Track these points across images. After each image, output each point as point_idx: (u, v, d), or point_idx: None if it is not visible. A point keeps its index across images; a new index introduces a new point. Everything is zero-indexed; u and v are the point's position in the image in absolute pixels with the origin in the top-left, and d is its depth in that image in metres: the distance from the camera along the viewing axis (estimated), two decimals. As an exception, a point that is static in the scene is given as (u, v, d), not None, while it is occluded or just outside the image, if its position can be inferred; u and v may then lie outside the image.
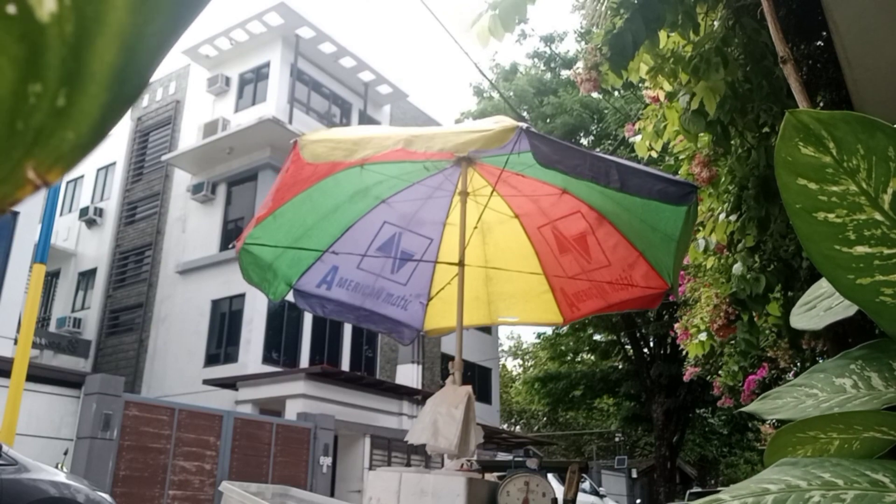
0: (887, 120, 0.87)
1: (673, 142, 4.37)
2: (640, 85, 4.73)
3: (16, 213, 12.49)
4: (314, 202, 3.96)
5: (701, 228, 4.52)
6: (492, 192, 4.09)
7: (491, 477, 3.33)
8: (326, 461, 13.52)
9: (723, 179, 4.11)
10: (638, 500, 27.47)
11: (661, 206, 3.32)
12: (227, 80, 18.85)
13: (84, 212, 21.08)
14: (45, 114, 0.24)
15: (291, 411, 14.05)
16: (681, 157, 4.63)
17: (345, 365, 17.94)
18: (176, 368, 17.03)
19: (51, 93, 0.24)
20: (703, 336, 5.47)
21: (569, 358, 28.22)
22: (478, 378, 22.11)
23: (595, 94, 18.46)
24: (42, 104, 0.24)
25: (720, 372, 7.22)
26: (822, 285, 1.33)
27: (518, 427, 39.34)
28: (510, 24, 3.16)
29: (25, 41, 0.23)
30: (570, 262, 4.28)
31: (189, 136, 19.16)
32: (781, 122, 0.90)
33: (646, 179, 3.08)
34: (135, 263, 19.69)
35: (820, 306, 1.29)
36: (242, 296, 16.15)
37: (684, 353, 6.61)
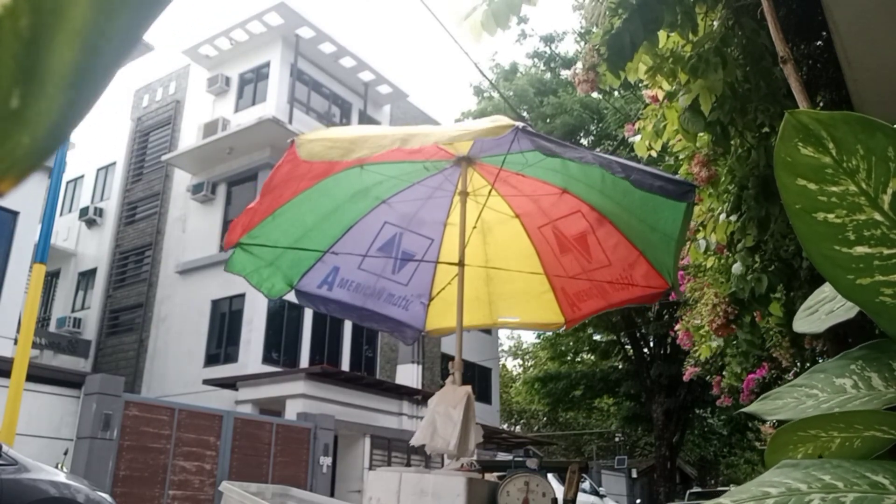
0: (887, 120, 0.87)
1: (672, 142, 4.37)
2: (640, 85, 4.72)
3: (16, 213, 12.49)
4: (314, 202, 3.96)
5: (701, 228, 4.51)
6: (490, 191, 4.08)
7: (491, 477, 3.32)
8: (326, 461, 13.52)
9: (723, 179, 4.11)
10: (638, 500, 27.46)
11: (659, 206, 3.33)
12: (227, 80, 18.85)
13: (84, 212, 21.08)
14: None
15: (291, 411, 14.04)
16: (681, 157, 4.62)
17: (345, 365, 17.94)
18: (176, 368, 17.03)
19: (2, 93, 0.22)
20: (714, 343, 5.50)
21: (569, 358, 28.21)
22: (478, 378, 22.11)
23: (595, 95, 18.47)
24: None
25: (723, 373, 7.22)
26: (825, 289, 1.33)
27: (518, 427, 39.33)
28: (503, 21, 3.15)
29: None
30: (570, 262, 4.27)
31: (189, 136, 19.16)
32: (781, 123, 0.89)
33: (646, 176, 3.10)
34: (135, 263, 19.69)
35: (822, 310, 1.28)
36: (242, 296, 16.15)
37: (686, 352, 6.62)
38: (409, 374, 17.90)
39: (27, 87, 0.22)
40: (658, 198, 3.25)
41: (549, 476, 3.45)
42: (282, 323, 16.89)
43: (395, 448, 15.59)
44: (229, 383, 14.98)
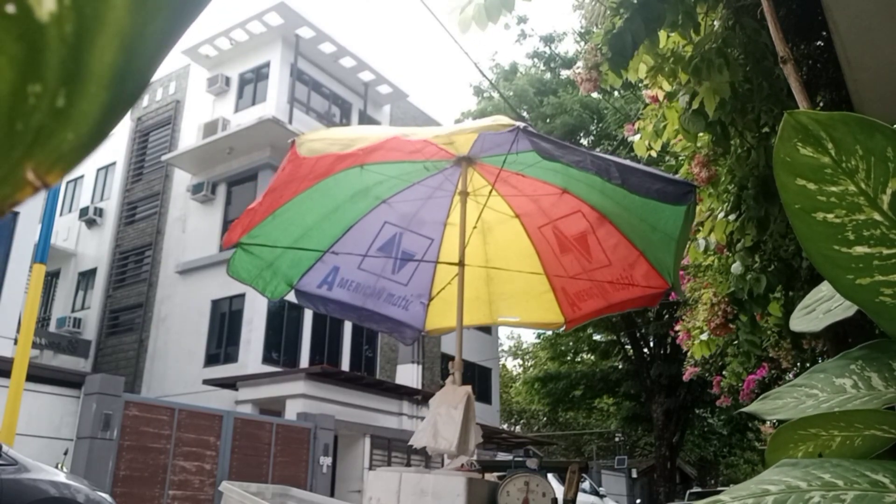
0: (887, 120, 0.87)
1: (672, 142, 4.37)
2: (640, 85, 4.73)
3: (16, 213, 12.49)
4: (314, 202, 3.96)
5: (701, 228, 4.52)
6: (490, 191, 4.09)
7: (491, 477, 3.33)
8: (326, 461, 13.52)
9: (722, 179, 4.11)
10: (638, 500, 27.47)
11: (660, 206, 3.33)
12: (227, 80, 18.85)
13: (84, 212, 21.08)
14: (44, 114, 0.24)
15: (291, 411, 14.05)
16: (681, 157, 4.63)
17: (345, 365, 17.93)
18: (176, 368, 17.03)
19: (50, 93, 0.24)
20: (704, 336, 5.47)
21: (569, 358, 28.22)
22: (478, 378, 22.11)
23: (595, 95, 18.47)
24: (41, 104, 0.24)
25: (724, 373, 7.23)
26: (822, 289, 1.33)
27: (518, 427, 39.33)
28: (495, 16, 3.16)
29: (24, 41, 0.23)
30: (570, 262, 4.28)
31: (189, 136, 19.16)
32: (780, 123, 0.90)
33: (644, 178, 3.10)
34: (135, 263, 19.69)
35: (819, 309, 1.29)
36: (242, 296, 16.15)
37: (686, 352, 6.61)
38: (409, 374, 17.90)
39: (72, 88, 0.24)
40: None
41: (549, 476, 3.46)
42: (282, 323, 16.89)
43: (395, 448, 15.59)
44: (229, 383, 14.98)
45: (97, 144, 0.26)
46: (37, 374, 9.34)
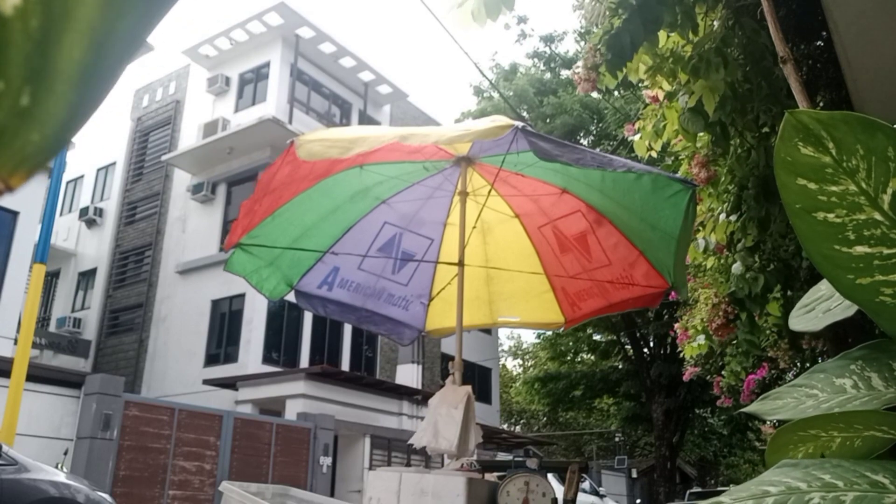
0: (887, 120, 0.87)
1: (672, 142, 4.37)
2: (640, 85, 4.73)
3: (16, 213, 12.49)
4: (314, 203, 3.96)
5: (701, 228, 4.52)
6: (489, 191, 4.08)
7: (491, 477, 3.32)
8: (326, 461, 13.52)
9: (723, 179, 4.11)
10: (638, 500, 27.46)
11: (660, 205, 3.34)
12: (227, 80, 18.85)
13: (84, 212, 21.08)
14: (7, 114, 0.23)
15: (291, 411, 14.05)
16: (680, 156, 4.63)
17: (345, 365, 17.94)
18: (176, 368, 17.03)
19: (14, 91, 0.23)
20: (701, 339, 5.47)
21: (569, 358, 28.21)
22: (478, 378, 22.11)
23: (595, 94, 18.47)
24: (4, 103, 0.23)
25: (723, 372, 7.23)
26: (821, 288, 1.33)
27: (518, 427, 39.33)
28: (494, 13, 3.15)
29: None
30: (570, 262, 4.27)
31: (189, 136, 19.16)
32: (781, 123, 0.89)
33: (647, 169, 3.12)
34: (135, 263, 19.69)
35: (819, 308, 1.28)
36: (242, 296, 16.15)
37: (683, 353, 6.62)
38: (409, 374, 17.90)
39: (37, 86, 0.23)
40: (659, 196, 3.25)
41: (549, 476, 3.45)
42: (282, 323, 16.89)
43: (395, 448, 15.59)
44: (229, 383, 14.98)
45: (63, 145, 0.25)
46: (37, 374, 9.34)
